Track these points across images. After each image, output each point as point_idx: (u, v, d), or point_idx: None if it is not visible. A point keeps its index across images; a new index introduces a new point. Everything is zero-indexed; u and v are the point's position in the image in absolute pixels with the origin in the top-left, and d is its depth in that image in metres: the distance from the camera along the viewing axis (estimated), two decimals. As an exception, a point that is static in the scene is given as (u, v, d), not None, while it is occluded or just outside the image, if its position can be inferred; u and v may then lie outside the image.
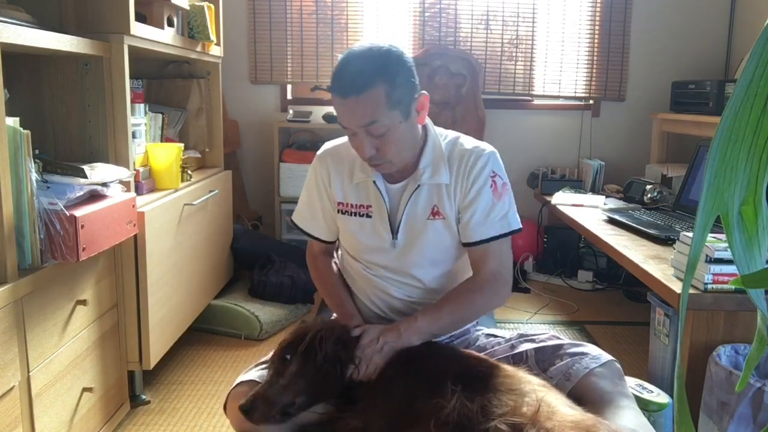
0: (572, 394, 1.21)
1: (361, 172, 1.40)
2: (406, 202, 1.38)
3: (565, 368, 1.26)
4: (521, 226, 1.40)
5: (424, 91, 1.32)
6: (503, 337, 1.44)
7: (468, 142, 1.41)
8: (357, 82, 1.22)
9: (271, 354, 1.31)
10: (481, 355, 1.35)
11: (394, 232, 1.40)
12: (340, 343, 1.24)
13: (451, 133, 1.44)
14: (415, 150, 1.37)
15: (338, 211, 1.46)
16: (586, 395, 1.20)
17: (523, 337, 1.39)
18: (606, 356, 1.29)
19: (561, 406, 1.06)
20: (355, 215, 1.42)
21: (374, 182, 1.39)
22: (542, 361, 1.31)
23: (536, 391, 1.09)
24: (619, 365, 1.29)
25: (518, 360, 1.33)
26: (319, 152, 1.49)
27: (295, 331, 1.30)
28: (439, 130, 1.43)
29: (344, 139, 1.48)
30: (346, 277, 1.52)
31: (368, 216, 1.41)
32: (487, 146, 1.40)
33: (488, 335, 1.48)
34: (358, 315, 1.46)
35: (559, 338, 1.37)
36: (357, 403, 1.20)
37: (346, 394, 1.23)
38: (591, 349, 1.31)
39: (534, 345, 1.35)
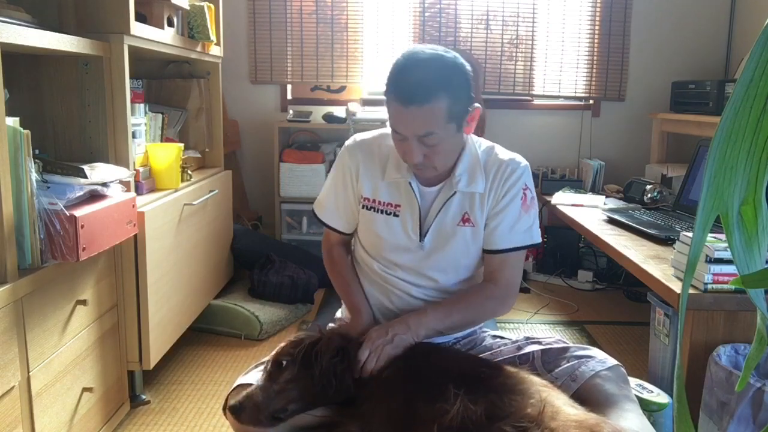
0: (577, 396, 1.21)
1: (395, 171, 1.39)
2: (439, 207, 1.38)
3: (570, 370, 1.27)
4: (541, 240, 1.43)
5: (477, 104, 1.31)
6: (509, 339, 1.44)
7: (503, 152, 1.42)
8: (420, 92, 1.20)
9: (269, 356, 1.31)
10: (482, 356, 1.35)
11: (423, 234, 1.39)
12: (338, 356, 1.23)
13: (485, 142, 1.45)
14: (456, 156, 1.37)
15: (363, 207, 1.44)
16: (591, 397, 1.21)
17: (530, 340, 1.40)
18: (612, 361, 1.29)
19: (564, 406, 1.06)
20: (382, 213, 1.41)
21: (409, 183, 1.38)
22: (548, 363, 1.31)
23: (539, 391, 1.09)
24: (624, 370, 1.30)
25: (524, 361, 1.33)
26: (349, 143, 1.47)
27: (294, 339, 1.28)
28: (473, 137, 1.43)
29: (375, 132, 1.47)
30: (359, 273, 1.51)
31: (396, 215, 1.40)
32: (522, 159, 1.42)
33: (494, 336, 1.48)
34: (368, 309, 1.44)
35: (565, 342, 1.37)
36: (357, 406, 1.20)
37: (346, 397, 1.23)
38: (597, 353, 1.31)
39: (540, 347, 1.35)
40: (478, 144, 1.43)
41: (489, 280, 1.41)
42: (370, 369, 1.23)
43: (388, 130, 1.45)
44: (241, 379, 1.33)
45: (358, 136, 1.48)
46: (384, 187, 1.41)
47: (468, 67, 1.28)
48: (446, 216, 1.38)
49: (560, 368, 1.28)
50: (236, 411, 1.17)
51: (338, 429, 1.17)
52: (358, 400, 1.21)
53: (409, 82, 1.21)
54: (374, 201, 1.42)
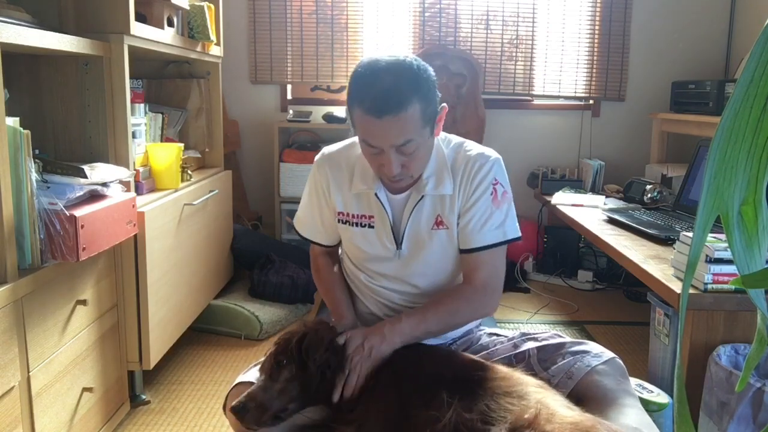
0: (574, 393, 1.20)
1: (361, 183, 1.37)
2: (410, 213, 1.36)
3: (566, 367, 1.26)
4: (520, 234, 1.38)
5: (444, 104, 1.30)
6: (506, 337, 1.43)
7: (473, 148, 1.39)
8: (393, 101, 1.17)
9: (264, 356, 1.30)
10: (476, 357, 1.35)
11: (399, 242, 1.38)
12: (328, 348, 1.23)
13: (456, 138, 1.41)
14: (429, 160, 1.35)
15: (339, 221, 1.43)
16: (589, 393, 1.20)
17: (526, 336, 1.39)
18: (608, 353, 1.28)
19: (559, 408, 1.06)
20: (357, 225, 1.40)
21: (376, 194, 1.36)
22: (544, 360, 1.30)
23: (534, 393, 1.09)
24: (621, 362, 1.28)
25: (520, 359, 1.32)
26: (317, 158, 1.46)
27: (287, 335, 1.28)
28: (442, 134, 1.39)
29: (340, 144, 1.46)
30: (349, 284, 1.52)
31: (370, 226, 1.39)
32: (492, 153, 1.38)
33: (491, 334, 1.48)
34: (352, 315, 1.45)
35: (561, 336, 1.36)
36: (352, 409, 1.19)
37: (341, 400, 1.23)
38: (593, 346, 1.30)
39: (536, 344, 1.35)
40: (447, 141, 1.40)
41: (466, 281, 1.38)
42: (352, 388, 1.21)
43: (355, 139, 1.42)
44: (241, 378, 1.34)
45: (326, 150, 1.46)
46: (353, 199, 1.40)
47: (430, 68, 1.26)
48: (419, 221, 1.36)
49: (556, 365, 1.27)
50: (239, 412, 1.17)
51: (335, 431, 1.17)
52: (354, 401, 1.21)
53: (379, 93, 1.17)
54: (347, 215, 1.41)
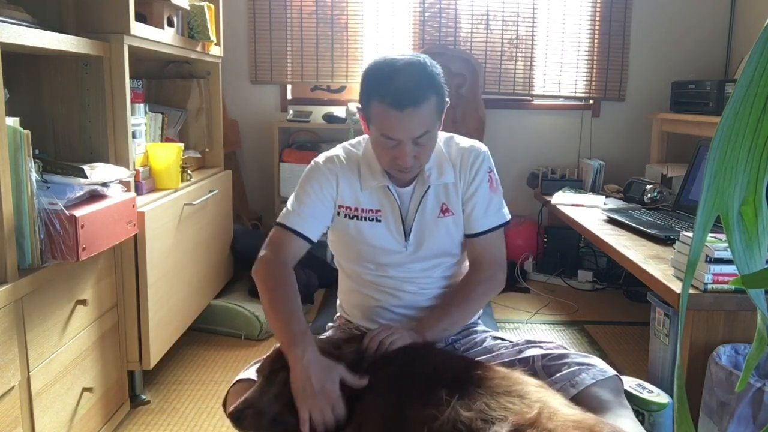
0: (572, 402, 1.21)
1: (372, 179, 1.43)
2: (417, 205, 1.43)
3: (571, 375, 1.27)
4: (510, 216, 1.52)
5: (447, 99, 1.37)
6: (510, 341, 1.45)
7: (463, 140, 1.49)
8: (414, 94, 1.25)
9: (265, 357, 1.30)
10: (481, 358, 1.35)
11: (407, 234, 1.44)
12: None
13: (443, 134, 1.49)
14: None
15: (345, 216, 1.44)
16: (586, 403, 1.21)
17: (531, 343, 1.40)
18: (611, 371, 1.30)
19: (561, 407, 1.06)
20: (366, 219, 1.45)
21: (388, 187, 1.43)
22: (548, 367, 1.31)
23: (534, 392, 1.09)
24: (621, 382, 1.31)
25: (525, 364, 1.33)
26: (322, 159, 1.47)
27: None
28: None
29: (337, 150, 1.48)
30: (347, 285, 1.53)
31: (378, 220, 1.45)
32: (481, 145, 1.49)
33: (495, 338, 1.49)
34: (309, 337, 1.28)
35: (565, 348, 1.38)
36: (350, 408, 1.19)
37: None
38: (597, 361, 1.32)
39: (541, 351, 1.36)
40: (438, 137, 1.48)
41: (476, 263, 1.48)
42: (378, 341, 1.28)
43: (347, 143, 1.51)
44: (242, 375, 1.34)
45: (328, 153, 1.48)
46: (364, 195, 1.45)
47: (438, 65, 1.35)
48: (425, 211, 1.44)
49: (561, 373, 1.28)
50: (237, 419, 1.17)
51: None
52: (352, 402, 1.20)
53: (400, 86, 1.26)
54: (356, 209, 1.45)
